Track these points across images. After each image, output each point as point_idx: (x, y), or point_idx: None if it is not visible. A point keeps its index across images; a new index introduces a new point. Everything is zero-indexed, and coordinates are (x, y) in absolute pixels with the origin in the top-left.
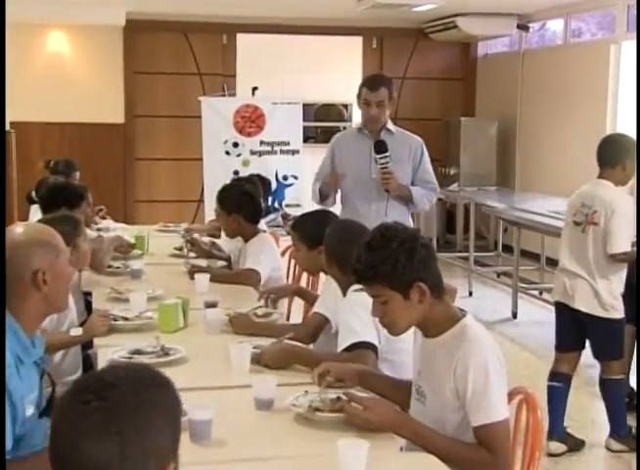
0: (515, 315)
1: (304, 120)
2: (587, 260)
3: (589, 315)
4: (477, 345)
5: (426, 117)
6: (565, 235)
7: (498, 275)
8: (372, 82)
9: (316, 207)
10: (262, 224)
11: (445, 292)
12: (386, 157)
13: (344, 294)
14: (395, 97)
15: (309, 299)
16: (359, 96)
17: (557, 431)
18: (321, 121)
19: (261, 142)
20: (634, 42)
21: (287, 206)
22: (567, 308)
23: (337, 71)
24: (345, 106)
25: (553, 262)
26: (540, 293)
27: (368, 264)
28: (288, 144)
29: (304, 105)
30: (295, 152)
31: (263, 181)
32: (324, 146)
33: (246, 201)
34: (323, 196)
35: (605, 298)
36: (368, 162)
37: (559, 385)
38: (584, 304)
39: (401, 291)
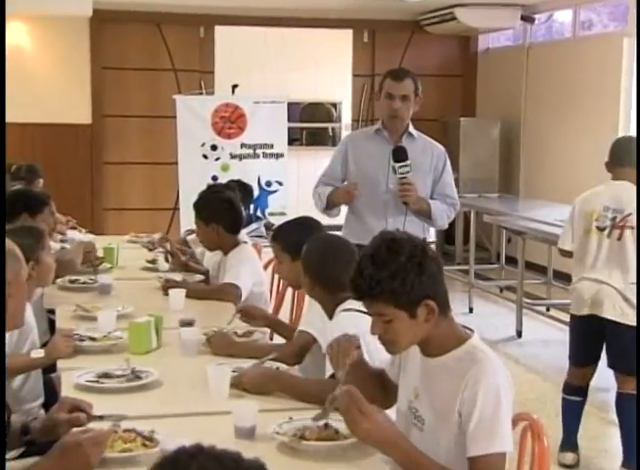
0: (519, 334)
1: (289, 121)
2: (623, 266)
3: (615, 323)
4: (488, 367)
5: (421, 117)
6: (584, 243)
7: (501, 290)
8: (397, 72)
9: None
10: (243, 235)
11: (450, 308)
12: (406, 166)
13: (330, 316)
14: (421, 96)
15: (286, 334)
16: (380, 89)
17: (570, 441)
18: (308, 122)
19: (242, 145)
20: None
21: (270, 214)
22: (589, 320)
23: (324, 68)
24: (334, 105)
25: (561, 276)
26: (547, 309)
27: (373, 280)
28: (271, 147)
29: (289, 104)
30: (279, 155)
31: (244, 188)
32: (311, 149)
33: (226, 209)
34: (330, 204)
35: (634, 304)
36: (386, 170)
37: (575, 399)
38: (612, 311)
39: (408, 309)
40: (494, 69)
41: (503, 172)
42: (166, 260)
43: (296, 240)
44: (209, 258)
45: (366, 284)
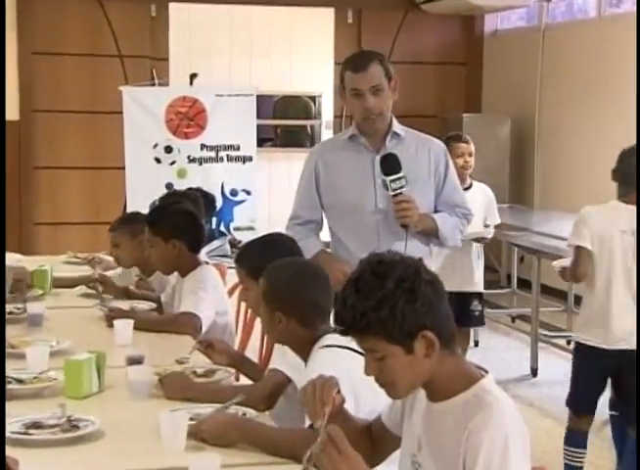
0: (534, 372)
1: (259, 118)
2: None
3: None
4: (496, 413)
5: (417, 112)
6: (617, 264)
7: (513, 319)
8: (356, 60)
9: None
10: (203, 254)
11: (455, 341)
12: (400, 178)
13: (306, 355)
14: (396, 79)
15: (254, 374)
16: (343, 87)
17: None
18: (281, 119)
19: (202, 146)
20: None
21: (236, 229)
22: (613, 355)
23: (301, 54)
24: (313, 98)
25: None
26: (568, 342)
27: (357, 311)
28: (237, 149)
29: (259, 97)
30: (246, 159)
31: (205, 197)
32: (285, 151)
33: (188, 223)
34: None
35: None
36: (371, 186)
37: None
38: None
39: (402, 343)
40: (504, 55)
41: (514, 179)
42: (95, 290)
43: (264, 263)
44: (160, 282)
45: (350, 316)
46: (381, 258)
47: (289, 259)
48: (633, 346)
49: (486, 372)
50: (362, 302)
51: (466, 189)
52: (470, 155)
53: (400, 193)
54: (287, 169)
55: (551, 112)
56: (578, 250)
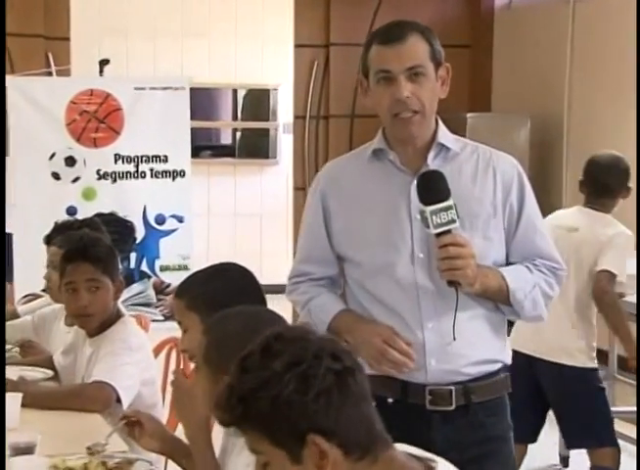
0: (565, 462)
1: (194, 118)
2: None
3: None
4: None
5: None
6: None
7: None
8: (389, 29)
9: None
10: (118, 302)
11: (386, 450)
12: (447, 210)
13: None
14: (449, 66)
15: (189, 465)
16: (365, 73)
17: None
18: (225, 120)
19: (117, 157)
20: None
21: (163, 269)
22: None
23: (250, 35)
24: (267, 93)
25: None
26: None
27: (234, 395)
28: (165, 160)
29: (194, 91)
30: (177, 174)
31: (121, 227)
32: (231, 163)
33: (115, 262)
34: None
35: None
36: (407, 224)
37: None
38: None
39: (287, 447)
40: (520, 35)
41: (537, 195)
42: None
43: (209, 292)
44: (59, 339)
45: (226, 400)
46: (282, 332)
47: (236, 309)
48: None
49: (433, 462)
50: (243, 383)
51: None
52: None
53: (448, 231)
54: (233, 188)
55: (584, 110)
56: None
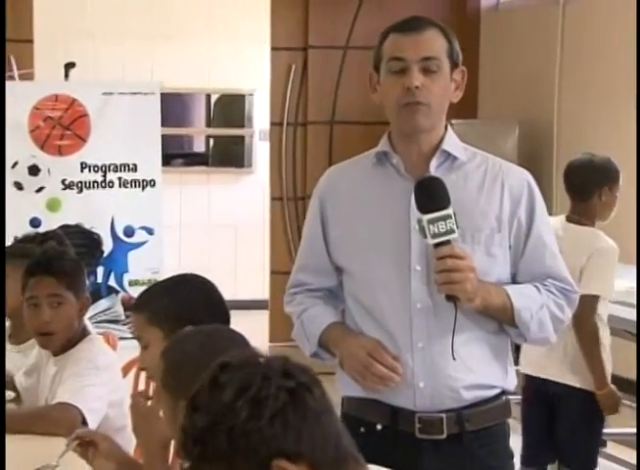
0: None
1: (166, 125)
2: None
3: None
4: None
5: (386, 118)
6: None
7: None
8: (408, 21)
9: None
10: (85, 319)
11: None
12: (446, 219)
13: None
14: (465, 70)
15: None
16: (378, 57)
17: None
18: (197, 126)
19: (84, 165)
20: None
21: (132, 284)
22: None
23: (224, 37)
24: (242, 98)
25: (624, 384)
26: (603, 443)
27: (189, 438)
28: (134, 169)
29: (165, 96)
30: (147, 183)
31: (87, 239)
32: (205, 172)
33: (81, 276)
34: (323, 352)
35: None
36: (405, 233)
37: None
38: None
39: None
40: (508, 38)
41: None
42: None
43: (171, 304)
44: (20, 359)
45: (182, 446)
46: (228, 361)
47: (193, 330)
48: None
49: None
50: (195, 423)
51: None
52: None
53: (447, 242)
54: (207, 198)
55: (575, 115)
56: None
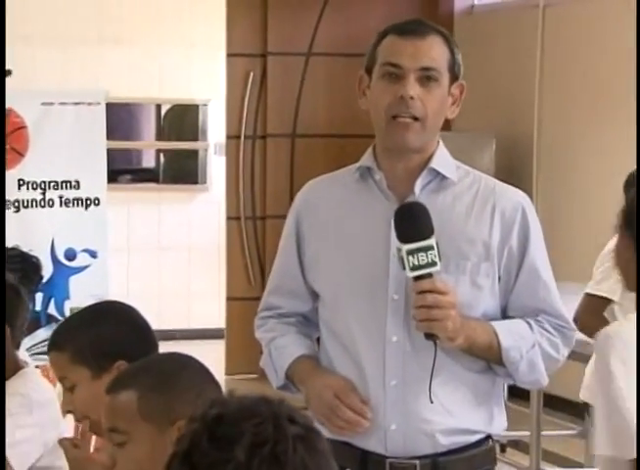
0: None
1: (112, 138)
2: None
3: None
4: None
5: (351, 130)
6: None
7: (503, 447)
8: (410, 23)
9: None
10: (22, 351)
11: None
12: (427, 250)
13: None
14: (464, 84)
15: None
16: (372, 59)
17: None
18: (145, 139)
19: (21, 182)
20: None
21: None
22: None
23: (176, 42)
24: (196, 109)
25: None
26: None
27: None
28: (77, 186)
29: (111, 107)
30: (91, 202)
31: (25, 263)
32: (156, 190)
33: (15, 303)
34: (291, 386)
35: None
36: (384, 260)
37: None
38: None
39: None
40: (484, 44)
41: None
42: None
43: (98, 339)
44: None
45: None
46: (220, 412)
47: (145, 360)
48: None
49: None
50: None
51: None
52: None
53: (428, 275)
54: (155, 217)
55: (556, 127)
56: None
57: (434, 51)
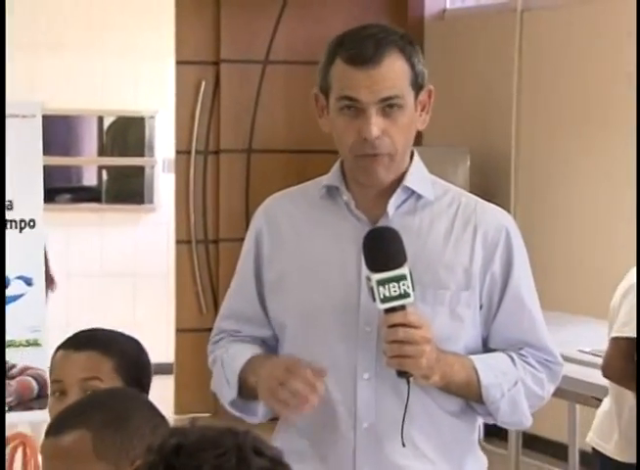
0: None
1: (48, 153)
2: None
3: None
4: None
5: (315, 146)
6: None
7: None
8: (360, 42)
9: None
10: None
11: None
12: (399, 280)
13: None
14: (432, 89)
15: None
16: (326, 82)
17: None
18: (87, 156)
19: None
20: None
21: (7, 345)
22: None
23: (119, 48)
24: (142, 121)
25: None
26: None
27: None
28: (9, 207)
29: (47, 119)
30: (26, 224)
31: None
32: (99, 211)
33: None
34: (247, 393)
35: None
36: (354, 287)
37: None
38: None
39: None
40: (457, 51)
41: None
42: None
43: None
44: None
45: None
46: (180, 442)
47: (92, 396)
48: None
49: None
50: None
51: None
52: None
53: (401, 307)
54: (97, 241)
55: (536, 140)
56: None
57: (391, 77)
